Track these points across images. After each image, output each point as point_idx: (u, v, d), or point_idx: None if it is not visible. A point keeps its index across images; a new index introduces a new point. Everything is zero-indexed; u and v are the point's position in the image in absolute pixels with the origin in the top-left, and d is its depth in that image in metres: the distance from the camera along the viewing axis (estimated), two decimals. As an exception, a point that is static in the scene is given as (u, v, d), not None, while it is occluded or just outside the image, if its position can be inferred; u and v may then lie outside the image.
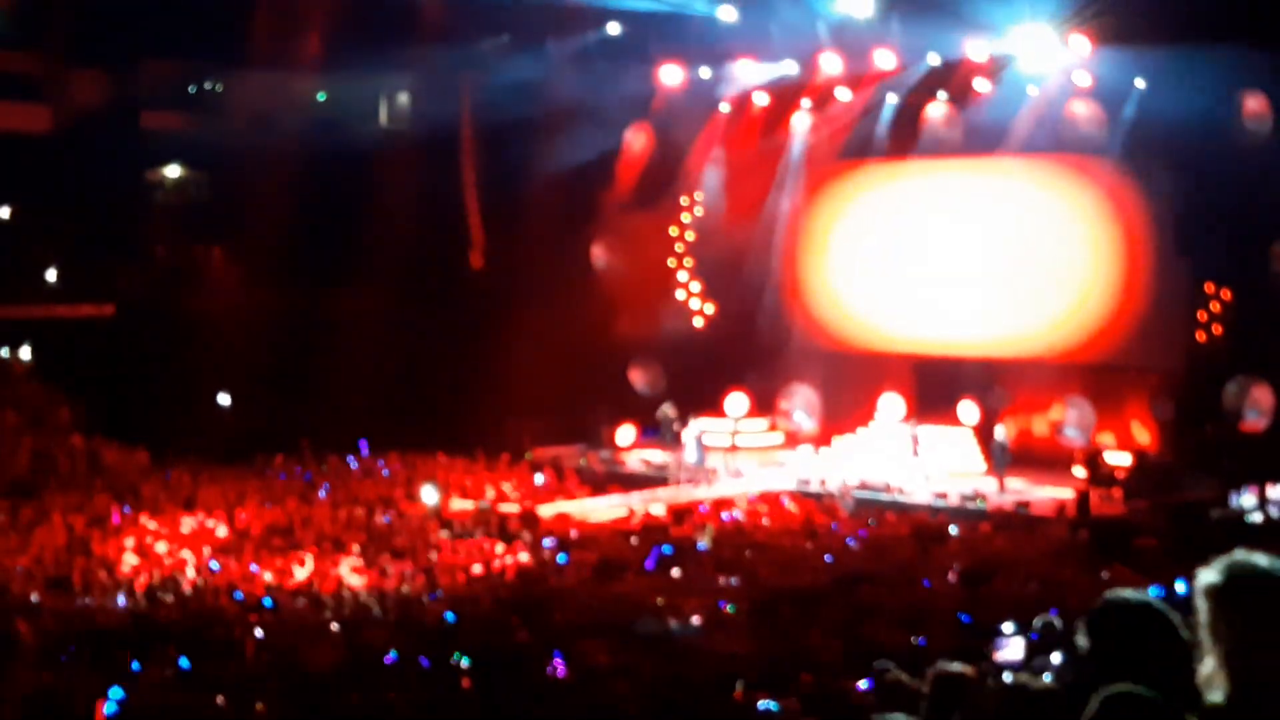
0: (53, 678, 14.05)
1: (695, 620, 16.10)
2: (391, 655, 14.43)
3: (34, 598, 18.39)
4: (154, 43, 35.50)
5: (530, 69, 31.41)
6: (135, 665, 14.40)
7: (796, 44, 29.94)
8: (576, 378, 31.52)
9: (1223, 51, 23.76)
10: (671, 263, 34.76)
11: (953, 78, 29.62)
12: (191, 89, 36.98)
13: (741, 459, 29.30)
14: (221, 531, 23.35)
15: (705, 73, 31.85)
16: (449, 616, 16.99)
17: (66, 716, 12.69)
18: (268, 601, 18.44)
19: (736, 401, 31.40)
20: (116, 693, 12.90)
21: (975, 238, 30.52)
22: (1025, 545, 21.17)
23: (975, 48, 28.26)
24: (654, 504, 25.51)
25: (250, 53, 31.23)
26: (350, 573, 20.45)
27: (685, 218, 34.73)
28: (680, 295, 34.71)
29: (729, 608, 16.74)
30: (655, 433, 31.33)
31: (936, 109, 30.26)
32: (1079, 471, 26.23)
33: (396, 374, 30.01)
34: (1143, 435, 27.63)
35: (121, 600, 18.71)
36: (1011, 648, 11.98)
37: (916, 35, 28.49)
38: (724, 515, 24.50)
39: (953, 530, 22.80)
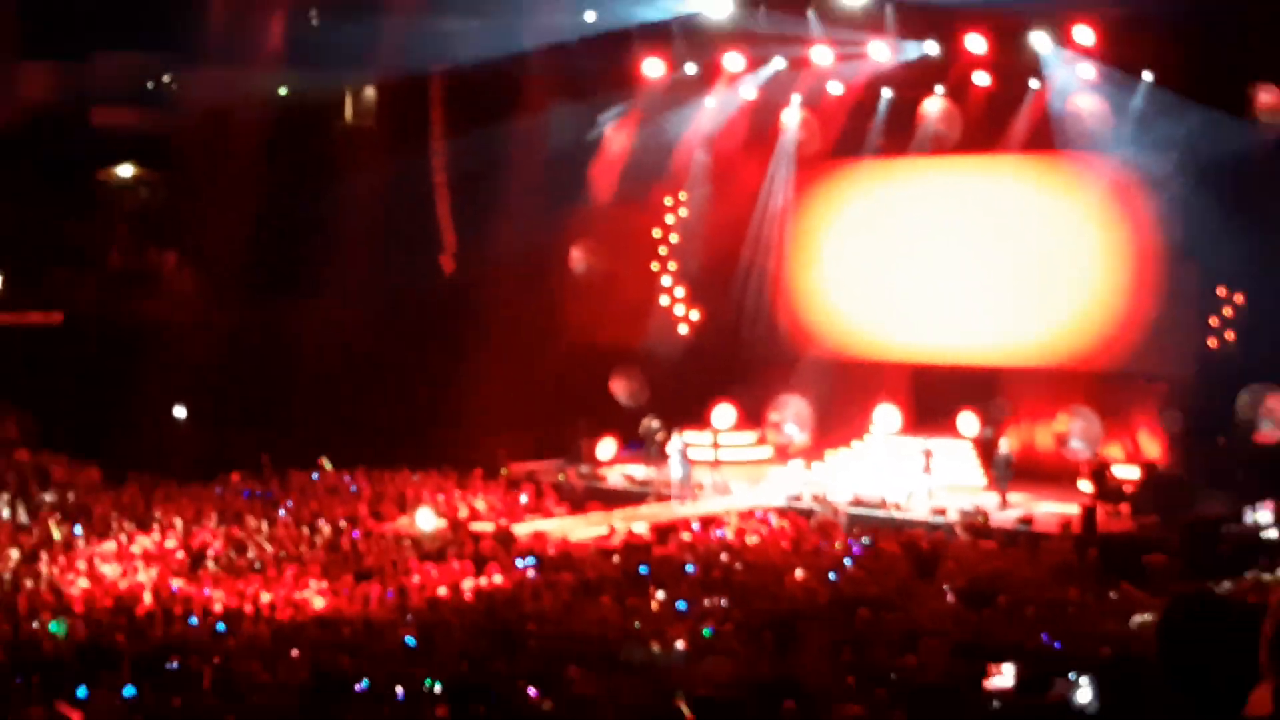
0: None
1: (680, 645, 16.11)
2: (362, 684, 14.43)
3: None
4: (106, 35, 35.53)
5: (505, 63, 31.47)
6: (82, 693, 14.32)
7: (787, 36, 30.07)
8: (554, 388, 31.61)
9: (1233, 42, 23.89)
10: (655, 266, 34.77)
11: (950, 71, 29.65)
12: (147, 84, 36.97)
13: (729, 474, 29.27)
14: (178, 553, 23.17)
15: (691, 67, 31.88)
16: (410, 641, 17.00)
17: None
18: (222, 626, 18.36)
19: (723, 413, 31.48)
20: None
21: (975, 240, 30.61)
22: (1028, 564, 21.18)
23: (974, 40, 28.31)
24: (636, 522, 25.42)
25: (208, 45, 31.23)
26: (314, 595, 20.34)
27: (669, 218, 34.74)
28: (664, 301, 34.73)
29: (705, 632, 16.73)
30: (638, 447, 31.28)
31: (934, 104, 30.30)
32: (1085, 486, 26.28)
33: (363, 385, 30.01)
34: (1152, 447, 27.68)
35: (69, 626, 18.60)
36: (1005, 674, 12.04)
37: (912, 26, 28.61)
38: (709, 534, 24.51)
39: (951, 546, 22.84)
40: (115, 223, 34.90)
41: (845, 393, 30.92)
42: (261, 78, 33.38)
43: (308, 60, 32.07)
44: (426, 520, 25.24)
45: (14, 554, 22.81)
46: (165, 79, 36.94)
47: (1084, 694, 10.31)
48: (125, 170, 36.27)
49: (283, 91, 34.24)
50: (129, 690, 14.46)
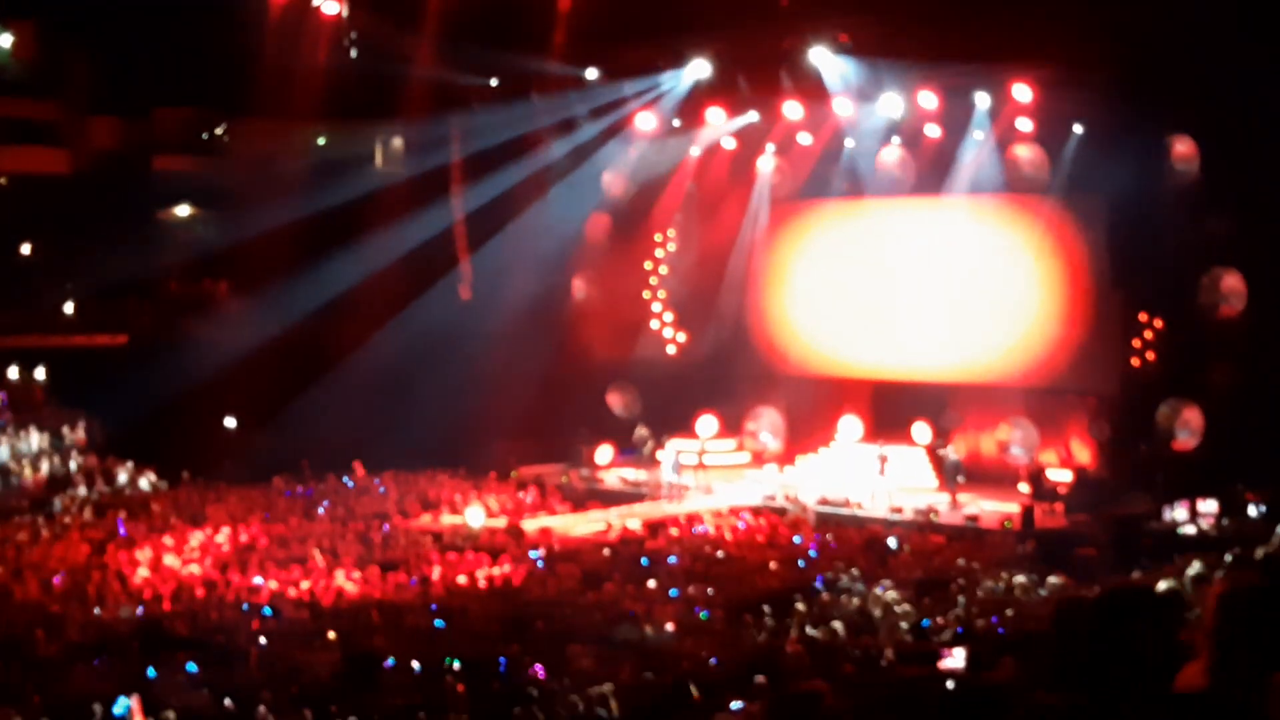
0: (70, 684, 14.02)
1: (669, 627, 16.12)
2: (389, 662, 14.43)
3: (53, 609, 18.30)
4: (166, 92, 35.64)
5: (515, 114, 31.60)
6: (151, 672, 14.34)
7: (761, 92, 30.17)
8: (558, 401, 31.66)
9: (1154, 100, 23.99)
10: (646, 295, 34.79)
11: (904, 124, 29.73)
12: (202, 135, 37.02)
13: (711, 477, 29.27)
14: (227, 546, 23.24)
15: (676, 122, 31.98)
16: (439, 624, 17.01)
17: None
18: (268, 611, 18.39)
19: (707, 423, 31.46)
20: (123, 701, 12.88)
21: (927, 271, 30.61)
22: (975, 555, 21.21)
23: (926, 97, 28.41)
24: (631, 519, 25.45)
25: (255, 101, 31.24)
26: (347, 583, 20.37)
27: (659, 253, 34.79)
28: (654, 325, 34.72)
29: (702, 614, 16.75)
30: (632, 452, 31.33)
31: (890, 153, 30.36)
32: (1024, 487, 26.31)
33: (391, 398, 29.94)
34: (1082, 454, 27.73)
35: (134, 611, 18.62)
36: (956, 657, 11.97)
37: (872, 85, 28.69)
38: (694, 529, 24.55)
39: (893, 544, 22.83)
40: (173, 256, 34.88)
41: (813, 405, 30.95)
42: (303, 129, 33.44)
43: (344, 113, 32.15)
44: (475, 517, 25.21)
45: (85, 546, 22.93)
46: (219, 130, 37.00)
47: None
48: (183, 210, 36.29)
49: (321, 141, 34.29)
50: (190, 667, 14.48)
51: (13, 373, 31.46)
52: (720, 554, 21.99)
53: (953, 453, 27.82)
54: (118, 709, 12.90)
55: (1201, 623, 3.94)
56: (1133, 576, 15.59)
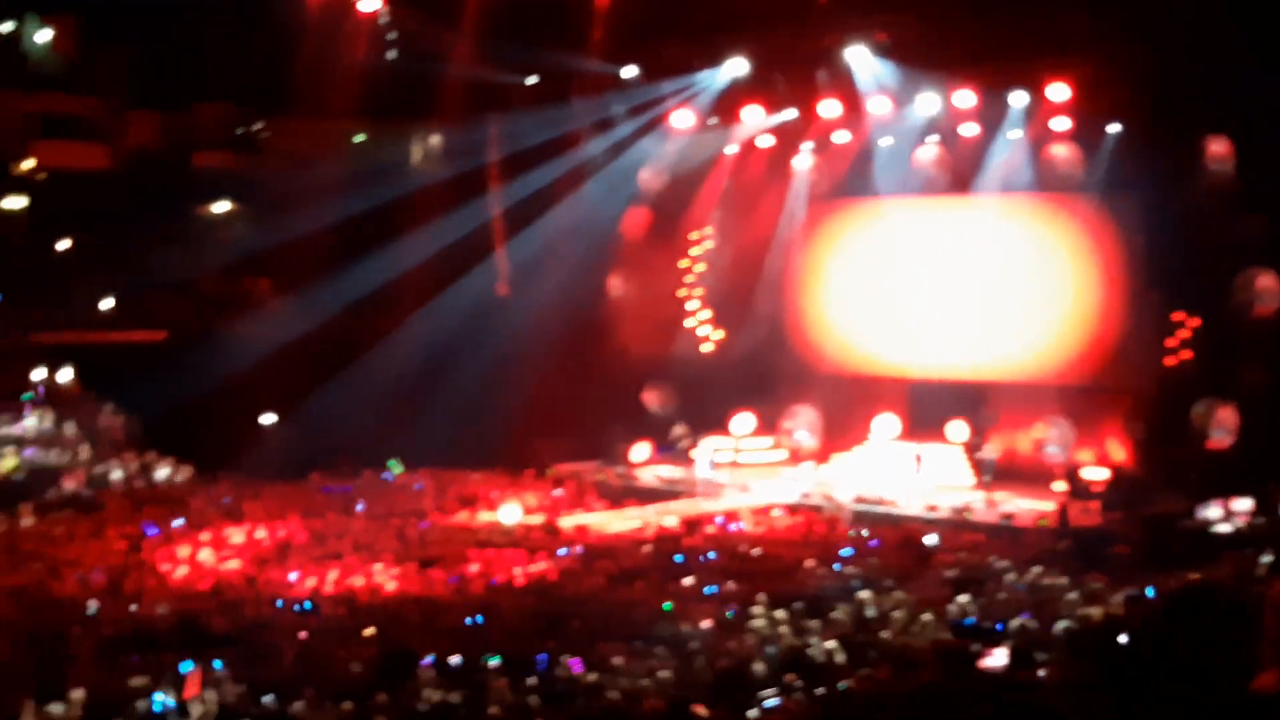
0: (107, 679, 14.15)
1: (705, 624, 16.21)
2: (428, 658, 14.49)
3: (90, 605, 18.32)
4: (206, 87, 35.86)
5: (553, 112, 31.73)
6: (185, 666, 14.35)
7: (798, 90, 30.23)
8: (595, 398, 31.70)
9: (1189, 100, 23.96)
10: (682, 293, 34.91)
11: (940, 122, 29.73)
12: (239, 131, 37.21)
13: (747, 474, 29.35)
14: (265, 542, 23.31)
15: (713, 119, 32.05)
16: (479, 619, 17.10)
17: (121, 717, 12.82)
18: (307, 606, 18.47)
19: (743, 421, 31.55)
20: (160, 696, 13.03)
21: (963, 270, 30.68)
22: (1010, 554, 21.23)
23: (962, 96, 28.43)
24: (667, 516, 25.51)
25: (294, 98, 31.47)
26: (386, 580, 20.46)
27: (695, 251, 34.90)
28: (691, 322, 34.83)
29: (729, 614, 16.80)
30: (668, 450, 31.44)
31: (926, 151, 30.39)
32: (1059, 485, 26.33)
33: (428, 394, 30.10)
34: (1118, 452, 27.67)
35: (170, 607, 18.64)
36: (997, 655, 12.09)
37: (909, 84, 28.73)
38: (731, 526, 24.64)
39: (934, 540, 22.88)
40: (211, 252, 35.05)
41: (849, 403, 30.98)
42: (340, 126, 33.63)
43: (382, 112, 32.32)
44: (512, 514, 25.37)
45: (122, 543, 23.07)
46: (257, 127, 37.17)
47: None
48: (221, 207, 36.46)
49: (359, 139, 34.47)
50: (216, 664, 14.51)
51: (42, 373, 31.59)
52: (756, 551, 22.05)
53: (989, 451, 27.88)
54: (156, 705, 13.06)
55: (1265, 629, 3.90)
56: (1191, 576, 15.55)
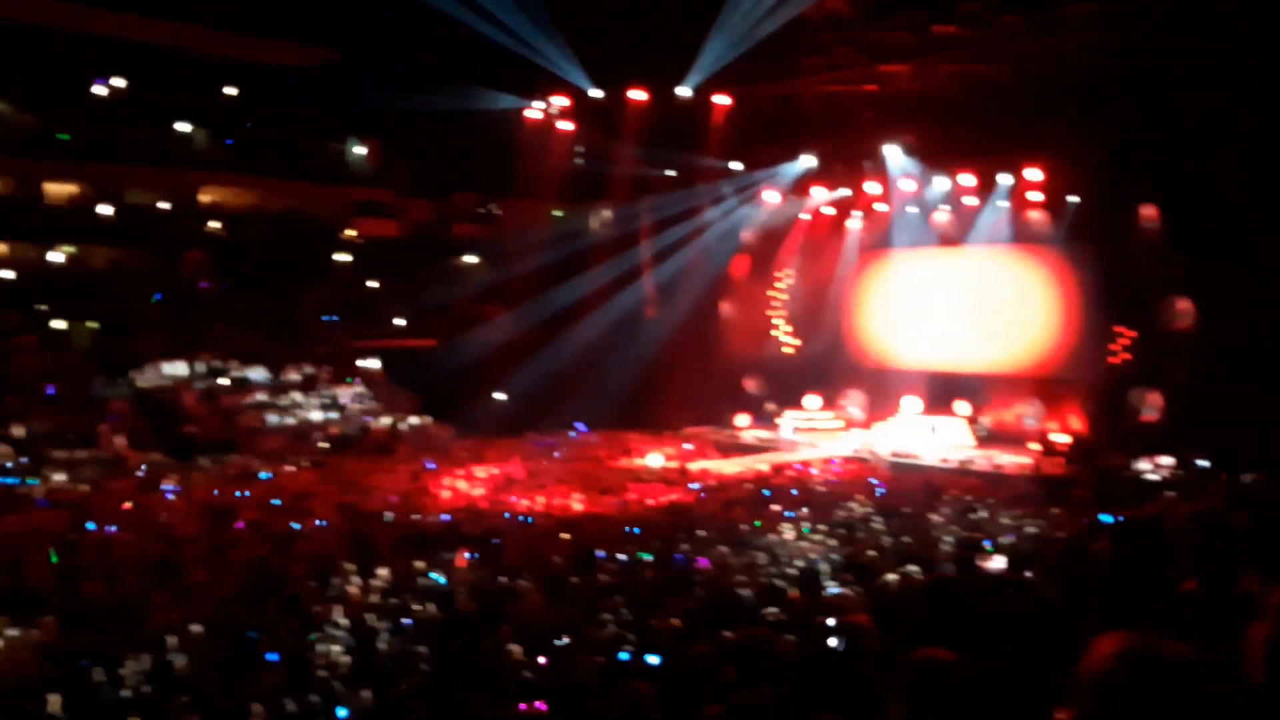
0: (401, 564, 14.31)
1: (788, 536, 15.92)
2: (601, 554, 14.46)
3: (387, 515, 18.69)
4: (459, 182, 36.52)
5: (682, 194, 31.64)
6: (446, 556, 14.63)
7: (851, 174, 29.68)
8: (712, 383, 31.56)
9: (1126, 177, 23.06)
10: (770, 312, 34.45)
11: (949, 195, 28.94)
12: (481, 210, 37.81)
13: (815, 436, 28.86)
14: (497, 477, 23.53)
15: (792, 196, 31.62)
16: (635, 530, 17.05)
17: (409, 590, 12.88)
18: (526, 519, 18.64)
19: (812, 400, 31.05)
20: (435, 574, 13.04)
21: (966, 297, 29.77)
22: (999, 494, 20.53)
23: (964, 177, 27.62)
24: (761, 464, 25.24)
25: (516, 187, 31.86)
26: (575, 503, 20.57)
27: (779, 284, 34.41)
28: (776, 333, 34.36)
29: (804, 528, 16.49)
30: (761, 419, 31.06)
31: (941, 215, 29.57)
32: (1034, 446, 25.40)
33: (601, 381, 30.16)
34: (1077, 423, 26.63)
35: (439, 517, 19.03)
36: (997, 560, 11.58)
37: (928, 169, 28.03)
38: (805, 471, 24.20)
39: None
40: (463, 288, 35.66)
41: (886, 388, 30.20)
42: (546, 206, 33.95)
43: (572, 196, 32.54)
44: (656, 460, 25.22)
45: (407, 476, 23.50)
46: (492, 207, 37.73)
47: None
48: (470, 259, 37.10)
49: (558, 214, 34.75)
50: (471, 555, 14.68)
51: (360, 364, 32.38)
52: (822, 488, 21.65)
53: (984, 422, 27.09)
54: (437, 578, 13.10)
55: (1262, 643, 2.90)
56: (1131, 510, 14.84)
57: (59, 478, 21.71)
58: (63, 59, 30.67)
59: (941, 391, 29.11)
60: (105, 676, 9.62)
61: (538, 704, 7.60)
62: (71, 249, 31.96)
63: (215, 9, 30.33)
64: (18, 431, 23.36)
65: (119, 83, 32.94)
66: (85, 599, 12.91)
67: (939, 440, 26.69)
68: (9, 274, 30.00)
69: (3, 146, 29.97)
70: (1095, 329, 26.04)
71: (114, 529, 17.07)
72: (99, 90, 32.81)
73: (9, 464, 22.07)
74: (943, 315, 30.27)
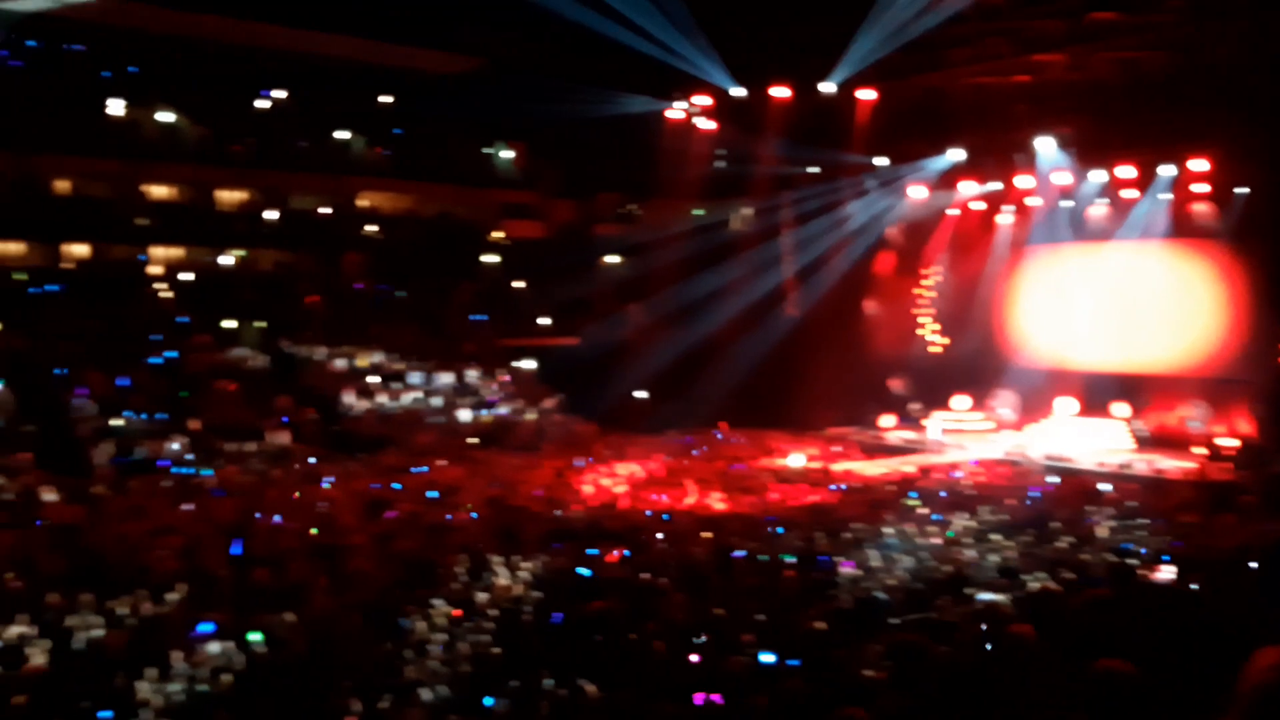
0: (548, 557, 14.71)
1: (934, 540, 15.60)
2: (740, 553, 14.45)
3: (534, 510, 19.00)
4: (602, 183, 37.00)
5: (825, 190, 31.25)
6: (593, 551, 14.91)
7: (1002, 168, 28.75)
8: (856, 383, 31.04)
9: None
10: (917, 311, 33.70)
11: (1107, 187, 27.71)
12: (623, 210, 38.18)
13: (964, 438, 28.09)
14: (640, 474, 23.74)
15: (939, 190, 30.85)
16: (777, 530, 16.98)
17: (558, 587, 13.18)
18: (666, 516, 18.77)
19: (960, 400, 30.27)
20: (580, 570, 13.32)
21: (1126, 293, 28.43)
22: (1161, 500, 19.58)
23: (1123, 169, 26.40)
24: (906, 465, 24.82)
25: (657, 187, 32.13)
26: (716, 501, 20.57)
27: (926, 282, 33.63)
28: (922, 332, 33.59)
29: (948, 533, 16.11)
30: (907, 420, 30.45)
31: (1097, 209, 28.36)
32: (1200, 450, 24.09)
33: (743, 379, 30.07)
34: (1244, 426, 25.15)
35: (583, 512, 19.28)
36: (1166, 571, 11.10)
37: (1084, 161, 26.91)
38: (952, 474, 23.62)
39: (1108, 488, 21.27)
40: (605, 288, 36.05)
41: (1039, 389, 29.16)
42: (686, 205, 34.05)
43: (712, 194, 32.58)
44: (798, 460, 25.09)
45: (553, 472, 23.93)
46: (633, 207, 38.06)
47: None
48: (613, 259, 37.52)
49: (698, 212, 34.84)
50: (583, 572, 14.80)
51: (518, 364, 33.12)
52: (971, 492, 21.07)
53: (1143, 424, 25.89)
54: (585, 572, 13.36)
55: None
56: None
57: (229, 469, 23.06)
58: (232, 72, 32.58)
59: (1098, 392, 27.93)
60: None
61: (699, 697, 7.64)
62: (241, 252, 33.91)
63: (370, 20, 31.65)
64: (193, 425, 24.92)
65: (282, 94, 34.75)
66: (254, 584, 13.72)
67: (1095, 443, 25.61)
68: (188, 276, 32.05)
69: (180, 156, 32.04)
70: (1265, 327, 24.57)
71: (279, 519, 18.00)
72: (265, 101, 34.69)
73: (186, 455, 23.60)
74: (1099, 313, 29.02)
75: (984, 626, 7.08)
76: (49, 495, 19.65)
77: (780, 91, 27.06)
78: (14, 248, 30.49)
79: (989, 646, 4.37)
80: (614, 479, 22.96)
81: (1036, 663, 4.21)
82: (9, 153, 28.99)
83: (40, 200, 30.31)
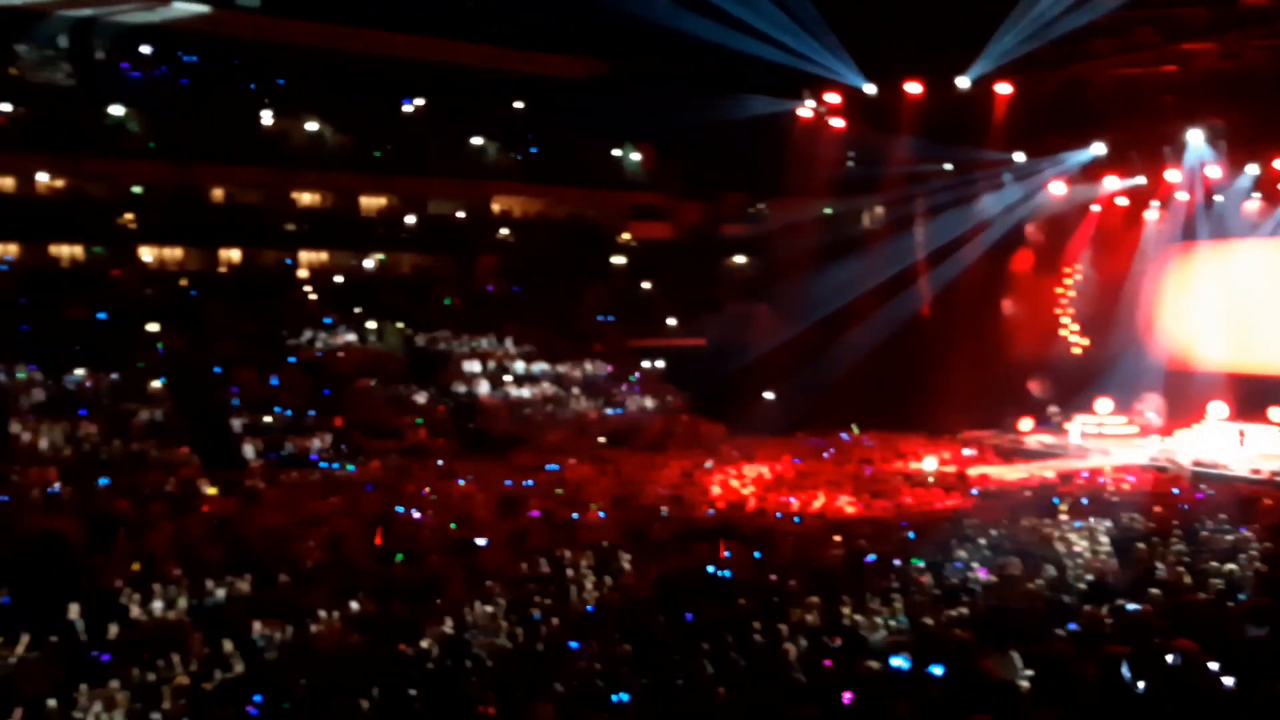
0: (673, 561, 14.84)
1: (1077, 548, 15.07)
2: (871, 557, 14.29)
3: (662, 510, 19.17)
4: (729, 183, 36.98)
5: (961, 187, 30.52)
6: (727, 554, 14.92)
7: (1148, 162, 27.54)
8: (992, 385, 30.12)
9: None
10: (1058, 311, 32.56)
11: (1261, 181, 26.23)
12: (750, 210, 38.07)
13: (1107, 443, 27.02)
14: (768, 475, 23.60)
15: (1081, 186, 29.74)
16: (910, 535, 16.69)
17: (682, 587, 13.20)
18: (796, 520, 18.67)
19: (1103, 404, 29.13)
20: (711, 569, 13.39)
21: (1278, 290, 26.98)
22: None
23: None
24: (1046, 471, 23.97)
25: (784, 186, 31.90)
26: (846, 505, 20.33)
27: (1067, 280, 32.47)
28: (1064, 333, 32.43)
29: (1096, 540, 15.49)
30: (1046, 424, 29.46)
31: (1250, 204, 26.90)
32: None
33: (875, 381, 29.58)
34: None
35: (711, 512, 19.31)
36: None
37: (1237, 154, 25.56)
38: (1096, 480, 22.72)
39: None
40: (732, 288, 35.99)
41: (1188, 392, 27.81)
42: (816, 204, 33.73)
43: (842, 192, 32.19)
44: (931, 464, 24.64)
45: (681, 472, 24.00)
46: (761, 207, 37.91)
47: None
48: (739, 259, 37.45)
49: (827, 211, 34.45)
50: (756, 554, 14.87)
51: (645, 364, 33.38)
52: (1115, 499, 20.24)
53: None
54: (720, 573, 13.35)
55: None
56: None
57: (372, 464, 23.99)
58: (373, 82, 33.86)
59: (1253, 396, 26.49)
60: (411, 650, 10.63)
61: (848, 696, 7.61)
62: (382, 255, 35.23)
63: (501, 27, 32.43)
64: (337, 421, 26.03)
65: (420, 102, 35.93)
66: (395, 575, 14.29)
67: (1249, 449, 24.27)
68: (339, 278, 33.51)
69: (326, 164, 33.51)
70: None
71: (418, 513, 18.66)
72: (405, 109, 35.93)
73: (330, 450, 24.67)
74: (1253, 313, 27.53)
75: (1132, 639, 6.85)
76: (207, 488, 20.85)
77: (913, 88, 26.57)
78: (174, 253, 32.44)
79: (1169, 660, 4.22)
80: (741, 480, 22.89)
81: (1201, 682, 4.08)
82: (170, 163, 30.88)
83: (198, 207, 32.17)
